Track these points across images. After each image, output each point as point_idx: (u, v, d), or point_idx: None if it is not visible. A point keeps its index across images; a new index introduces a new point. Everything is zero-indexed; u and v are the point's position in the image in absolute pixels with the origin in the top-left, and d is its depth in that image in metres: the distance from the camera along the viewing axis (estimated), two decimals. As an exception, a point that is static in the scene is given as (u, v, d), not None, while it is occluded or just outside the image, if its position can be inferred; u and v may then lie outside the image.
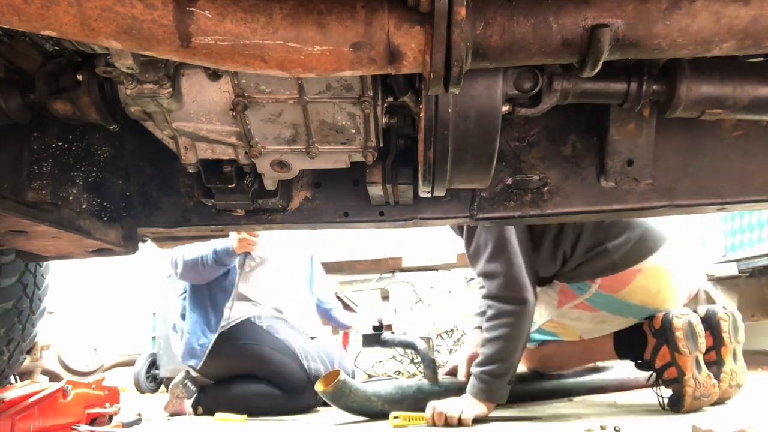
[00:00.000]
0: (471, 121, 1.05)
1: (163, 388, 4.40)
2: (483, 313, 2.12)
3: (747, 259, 3.22)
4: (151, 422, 2.63)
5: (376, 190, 1.36)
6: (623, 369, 2.57)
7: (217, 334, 2.77)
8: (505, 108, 1.08)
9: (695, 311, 2.05)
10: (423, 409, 2.04)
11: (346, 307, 3.50)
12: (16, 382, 3.07)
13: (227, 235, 1.68)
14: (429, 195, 1.28)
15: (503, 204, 1.45)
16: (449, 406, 1.97)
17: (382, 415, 2.17)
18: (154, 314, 4.86)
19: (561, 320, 2.29)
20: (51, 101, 1.14)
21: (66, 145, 1.50)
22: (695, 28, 0.83)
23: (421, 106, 1.03)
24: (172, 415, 2.86)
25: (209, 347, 2.76)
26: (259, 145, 1.16)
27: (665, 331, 1.97)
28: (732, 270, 3.29)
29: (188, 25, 0.76)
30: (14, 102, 1.20)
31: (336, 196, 1.48)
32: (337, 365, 2.84)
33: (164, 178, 1.50)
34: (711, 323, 2.05)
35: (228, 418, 2.58)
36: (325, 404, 2.62)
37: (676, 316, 1.97)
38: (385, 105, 1.16)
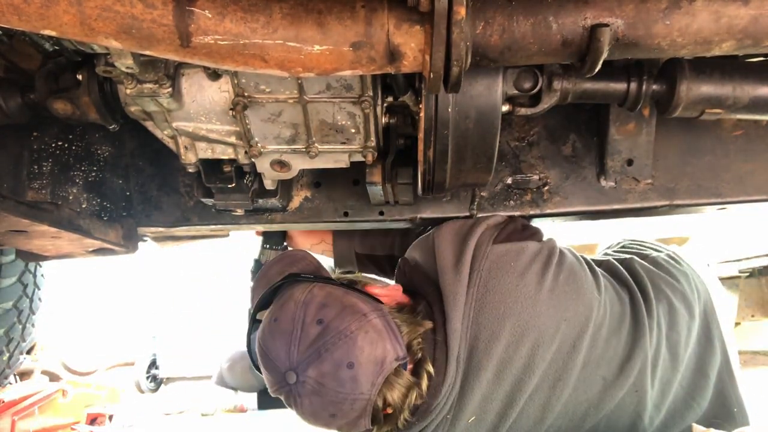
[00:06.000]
0: (471, 120, 1.05)
1: (163, 387, 4.41)
2: None
3: (747, 259, 3.22)
4: (151, 422, 2.63)
5: (376, 190, 1.35)
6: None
7: None
8: (505, 108, 1.08)
9: None
10: None
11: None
12: (16, 382, 3.07)
13: (227, 236, 1.68)
14: (429, 195, 1.28)
15: (503, 204, 1.45)
16: None
17: None
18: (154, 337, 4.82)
19: None
20: (51, 101, 1.14)
21: (66, 145, 1.50)
22: (695, 28, 0.83)
23: (420, 106, 1.03)
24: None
25: None
26: (259, 144, 1.16)
27: None
28: (732, 270, 3.29)
29: (188, 24, 0.76)
30: (14, 102, 1.20)
31: (336, 196, 1.48)
32: None
33: (164, 177, 1.50)
34: None
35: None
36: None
37: None
38: (385, 105, 1.16)
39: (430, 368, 1.21)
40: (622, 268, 1.47)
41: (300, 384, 1.11)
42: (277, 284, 1.26)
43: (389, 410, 1.18)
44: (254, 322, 1.28)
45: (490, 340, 1.22)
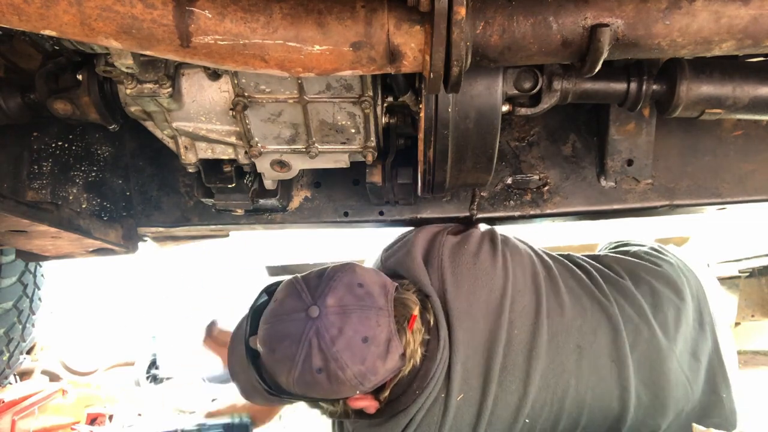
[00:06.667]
0: (471, 120, 1.04)
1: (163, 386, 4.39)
2: None
3: (747, 259, 3.22)
4: (151, 422, 2.63)
5: (376, 190, 1.35)
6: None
7: None
8: (505, 108, 1.08)
9: None
10: None
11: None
12: (16, 382, 3.07)
13: (227, 236, 1.67)
14: (429, 195, 1.28)
15: (503, 203, 1.45)
16: None
17: None
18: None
19: None
20: (51, 101, 1.14)
21: (66, 145, 1.50)
22: (695, 28, 0.83)
23: (421, 106, 1.03)
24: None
25: None
26: (259, 144, 1.16)
27: None
28: (732, 270, 3.29)
29: (188, 24, 0.76)
30: (14, 102, 1.20)
31: (336, 196, 1.48)
32: None
33: (164, 177, 1.50)
34: None
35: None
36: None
37: None
38: (385, 105, 1.16)
39: (429, 317, 1.29)
40: (577, 255, 1.57)
41: (324, 315, 1.16)
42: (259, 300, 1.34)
43: (409, 329, 1.23)
44: (248, 348, 1.29)
45: (458, 318, 1.31)
